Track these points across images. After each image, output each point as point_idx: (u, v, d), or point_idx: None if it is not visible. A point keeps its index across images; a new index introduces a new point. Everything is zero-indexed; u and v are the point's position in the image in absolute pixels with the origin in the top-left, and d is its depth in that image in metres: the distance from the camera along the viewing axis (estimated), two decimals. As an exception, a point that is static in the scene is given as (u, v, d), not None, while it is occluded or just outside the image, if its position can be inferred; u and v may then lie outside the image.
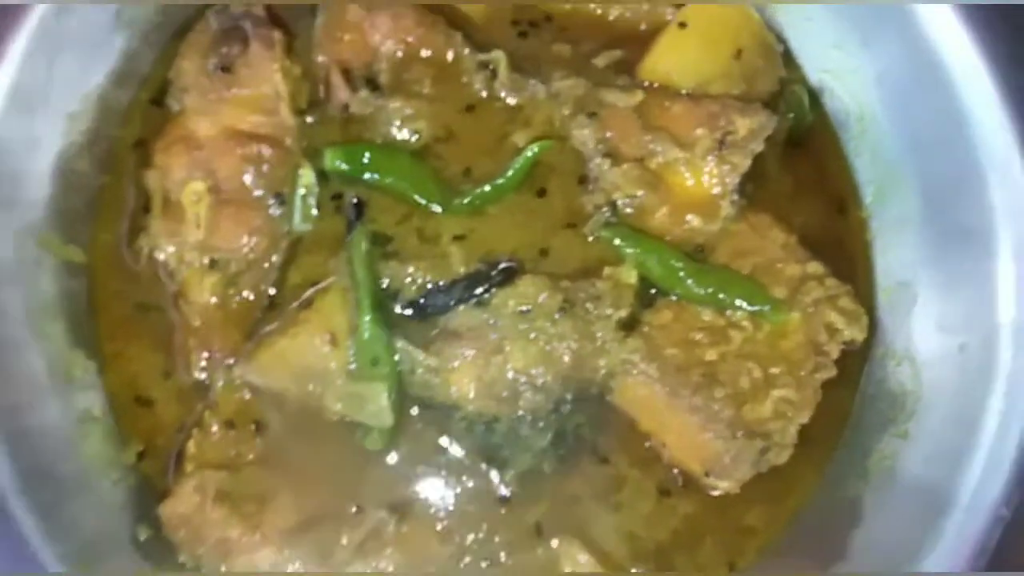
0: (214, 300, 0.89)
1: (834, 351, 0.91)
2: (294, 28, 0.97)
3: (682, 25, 0.96)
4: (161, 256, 0.90)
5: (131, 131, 0.96)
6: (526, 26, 1.01)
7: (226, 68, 0.92)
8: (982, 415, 0.82)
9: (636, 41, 0.99)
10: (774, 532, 0.91)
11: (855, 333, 0.92)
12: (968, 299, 0.86)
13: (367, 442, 0.86)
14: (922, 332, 0.90)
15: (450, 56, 0.97)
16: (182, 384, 0.88)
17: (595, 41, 0.99)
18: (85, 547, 0.78)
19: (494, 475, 0.88)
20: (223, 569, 0.81)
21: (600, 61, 0.98)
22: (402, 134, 0.93)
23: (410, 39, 0.96)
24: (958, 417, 0.84)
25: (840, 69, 0.98)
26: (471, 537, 0.86)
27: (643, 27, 1.00)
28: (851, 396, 0.94)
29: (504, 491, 0.87)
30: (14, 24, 0.83)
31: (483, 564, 0.85)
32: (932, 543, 0.80)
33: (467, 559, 0.85)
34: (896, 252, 0.95)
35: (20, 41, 0.83)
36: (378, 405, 0.84)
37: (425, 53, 0.96)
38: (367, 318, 0.85)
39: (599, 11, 1.01)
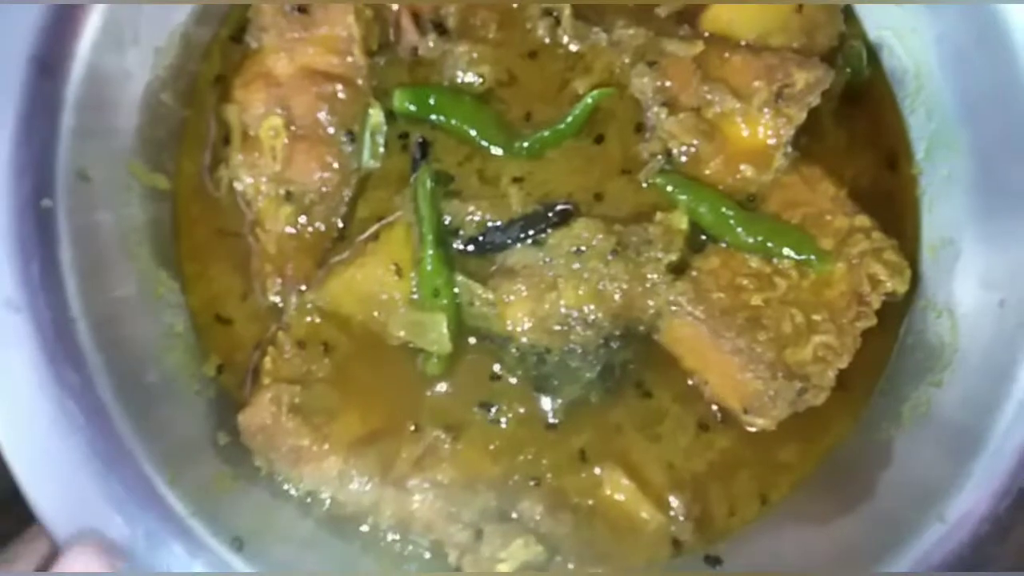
0: (288, 229, 0.94)
1: (876, 302, 0.94)
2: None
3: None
4: (239, 186, 0.96)
5: (211, 67, 1.01)
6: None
7: (303, 9, 0.96)
8: (1016, 367, 0.85)
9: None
10: (806, 469, 0.96)
11: (897, 285, 0.95)
12: (1012, 257, 0.88)
13: (427, 367, 0.92)
14: (964, 286, 0.93)
15: (515, 2, 1.00)
16: (258, 305, 0.95)
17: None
18: (172, 449, 0.86)
19: (544, 402, 0.93)
20: (294, 473, 0.88)
21: (662, 10, 1.00)
22: (467, 77, 0.97)
23: (477, -16, 1.00)
24: (992, 368, 0.87)
25: (900, 27, 0.98)
26: (520, 458, 0.92)
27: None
28: (890, 345, 0.97)
29: (552, 418, 0.93)
30: None
31: (530, 483, 0.91)
32: (960, 484, 0.84)
33: (515, 478, 0.91)
34: (944, 209, 0.97)
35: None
36: (438, 333, 0.90)
37: None
38: (430, 252, 0.91)
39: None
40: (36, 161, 0.82)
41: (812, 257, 0.93)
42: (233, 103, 0.97)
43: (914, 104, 1.00)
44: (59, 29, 0.84)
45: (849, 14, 1.01)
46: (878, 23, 1.01)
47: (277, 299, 0.94)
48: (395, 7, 0.99)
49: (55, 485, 0.79)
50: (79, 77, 0.85)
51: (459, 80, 0.98)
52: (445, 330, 0.89)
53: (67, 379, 0.81)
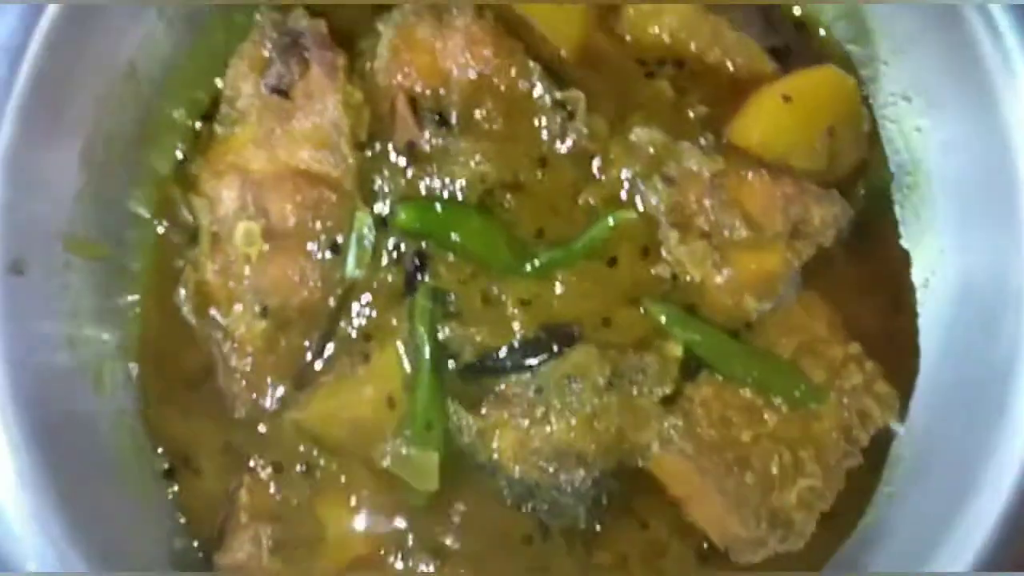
0: (263, 345, 0.87)
1: (864, 439, 0.95)
2: (356, 45, 0.89)
3: (787, 99, 0.91)
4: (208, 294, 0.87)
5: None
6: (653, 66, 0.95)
7: (282, 92, 0.85)
8: (967, 494, 0.87)
9: (729, 91, 0.94)
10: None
11: (888, 418, 0.96)
12: (977, 386, 0.90)
13: (411, 499, 0.89)
14: (923, 409, 0.95)
15: (523, 88, 0.90)
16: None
17: (684, 91, 0.94)
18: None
19: (534, 534, 0.92)
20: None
21: (692, 113, 0.93)
22: (468, 176, 0.89)
23: (484, 68, 0.89)
24: (945, 489, 0.90)
25: (904, 122, 0.96)
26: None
27: (740, 74, 0.95)
28: (875, 483, 0.98)
29: (544, 551, 0.92)
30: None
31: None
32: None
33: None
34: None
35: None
36: (427, 472, 0.86)
37: (498, 83, 0.89)
38: (426, 384, 0.86)
39: (695, 50, 0.94)
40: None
41: (804, 395, 0.92)
42: (201, 196, 0.86)
43: (904, 201, 0.99)
44: None
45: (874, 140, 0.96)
46: (883, 112, 0.98)
47: (245, 418, 0.89)
48: (385, 83, 0.88)
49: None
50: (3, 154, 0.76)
51: (462, 174, 0.88)
52: (435, 470, 0.86)
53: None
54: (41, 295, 0.81)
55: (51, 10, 0.75)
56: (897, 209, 1.00)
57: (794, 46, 0.96)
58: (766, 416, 0.93)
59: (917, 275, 0.98)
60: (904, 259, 0.99)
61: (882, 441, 0.97)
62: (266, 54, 0.85)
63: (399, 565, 0.90)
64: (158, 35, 0.86)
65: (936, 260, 0.97)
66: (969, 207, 0.94)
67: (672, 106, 0.93)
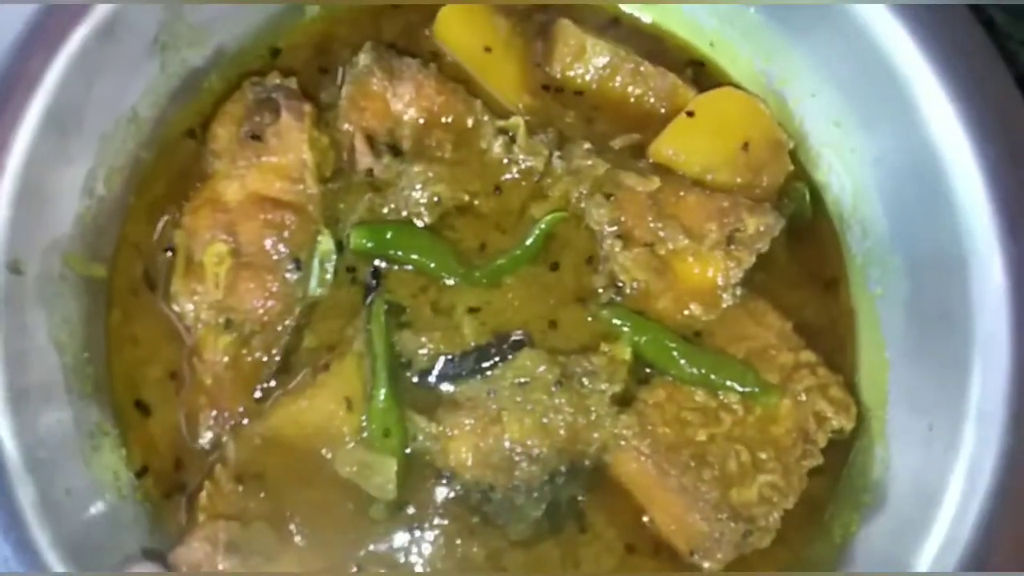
0: (226, 359, 0.92)
1: (822, 440, 0.95)
2: (323, 100, 1.01)
3: (690, 114, 1.00)
4: (178, 310, 0.94)
5: (161, 159, 1.00)
6: (553, 92, 1.06)
7: (257, 136, 0.96)
8: (943, 492, 0.86)
9: (655, 123, 1.03)
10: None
11: (843, 422, 0.96)
12: (941, 382, 0.90)
13: (372, 511, 0.90)
14: (895, 409, 0.95)
15: (470, 123, 1.01)
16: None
17: (613, 122, 1.04)
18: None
19: (492, 540, 0.91)
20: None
21: (618, 142, 1.03)
22: (423, 197, 0.97)
23: (431, 106, 1.00)
24: (921, 492, 0.88)
25: (840, 145, 1.02)
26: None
27: (662, 109, 1.04)
28: (833, 484, 0.98)
29: (499, 554, 0.91)
30: (57, 45, 0.86)
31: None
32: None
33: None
34: (879, 330, 0.99)
35: (60, 62, 0.86)
36: (385, 478, 0.88)
37: (445, 119, 1.00)
38: (383, 391, 0.90)
39: (618, 88, 1.04)
40: None
41: (756, 389, 0.94)
42: (181, 228, 0.96)
43: (851, 221, 1.03)
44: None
45: (797, 154, 1.04)
46: (819, 140, 1.05)
47: (209, 434, 0.92)
48: (345, 127, 0.99)
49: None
50: (15, 166, 0.84)
51: (418, 199, 0.97)
52: (393, 476, 0.88)
53: None
54: (35, 295, 0.87)
55: (69, 48, 0.85)
56: (844, 229, 1.04)
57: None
58: (722, 416, 0.95)
59: (873, 287, 1.01)
60: (838, 253, 1.04)
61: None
62: (244, 108, 0.97)
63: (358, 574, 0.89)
64: (159, 87, 0.97)
65: (887, 269, 0.99)
66: (909, 219, 0.97)
67: (602, 138, 1.02)
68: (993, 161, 0.88)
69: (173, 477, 0.92)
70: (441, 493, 0.92)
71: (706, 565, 0.91)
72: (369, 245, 0.95)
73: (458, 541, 0.91)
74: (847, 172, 1.02)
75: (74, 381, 0.89)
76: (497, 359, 0.93)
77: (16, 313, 0.84)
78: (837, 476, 0.97)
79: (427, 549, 0.91)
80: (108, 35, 0.88)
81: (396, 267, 0.96)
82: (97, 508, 0.87)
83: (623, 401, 0.94)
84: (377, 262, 0.96)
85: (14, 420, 0.81)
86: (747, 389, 0.94)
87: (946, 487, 0.86)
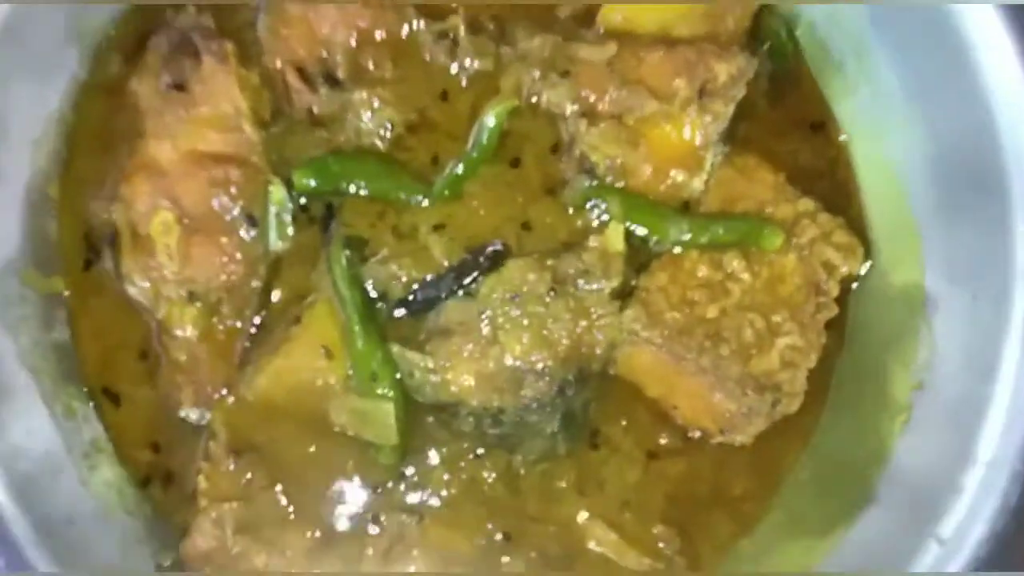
0: (196, 332, 0.86)
1: (834, 289, 0.89)
2: (242, 37, 0.92)
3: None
4: (135, 292, 0.87)
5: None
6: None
7: (180, 86, 0.88)
8: (998, 365, 0.78)
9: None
10: (774, 482, 0.91)
11: (852, 266, 0.90)
12: (980, 250, 0.82)
13: (380, 457, 0.85)
14: (932, 278, 0.87)
15: (404, 32, 0.92)
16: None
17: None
18: None
19: (509, 463, 0.87)
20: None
21: (562, 12, 0.93)
22: (373, 125, 0.90)
23: (360, 23, 0.91)
24: (973, 366, 0.81)
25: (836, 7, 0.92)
26: (492, 526, 0.86)
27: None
28: (856, 338, 0.92)
29: (521, 478, 0.87)
30: None
31: (504, 544, 0.86)
32: (953, 500, 0.78)
33: (491, 546, 0.85)
34: (900, 197, 0.91)
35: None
36: (384, 424, 0.83)
37: (379, 35, 0.91)
38: (359, 333, 0.84)
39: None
40: None
41: (763, 229, 0.88)
42: (118, 201, 0.88)
43: (857, 82, 0.93)
44: None
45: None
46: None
47: (194, 411, 0.87)
48: (273, 63, 0.91)
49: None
50: None
51: (368, 128, 0.90)
52: (392, 421, 0.83)
53: None
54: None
55: None
56: (851, 91, 0.94)
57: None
58: (729, 287, 0.89)
59: (890, 151, 0.91)
60: (820, 96, 0.95)
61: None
62: (159, 57, 0.89)
63: (374, 530, 0.85)
64: (81, 77, 0.90)
65: (904, 132, 0.89)
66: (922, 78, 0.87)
67: (545, 11, 0.93)
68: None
69: (153, 460, 0.88)
70: (449, 425, 0.87)
71: (738, 439, 0.87)
72: (313, 184, 0.88)
73: (470, 470, 0.87)
74: (846, 35, 0.92)
75: (56, 404, 0.85)
76: (477, 274, 0.87)
77: None
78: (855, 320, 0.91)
79: (445, 492, 0.87)
80: (13, 37, 0.80)
81: (350, 198, 0.89)
82: (105, 530, 0.84)
83: (623, 294, 0.88)
84: (328, 203, 0.89)
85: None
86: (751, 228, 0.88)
87: (999, 358, 0.78)
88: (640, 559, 0.85)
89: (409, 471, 0.86)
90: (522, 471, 0.87)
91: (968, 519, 0.76)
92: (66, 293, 0.90)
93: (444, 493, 0.86)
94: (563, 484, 0.87)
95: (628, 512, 0.87)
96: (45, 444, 0.84)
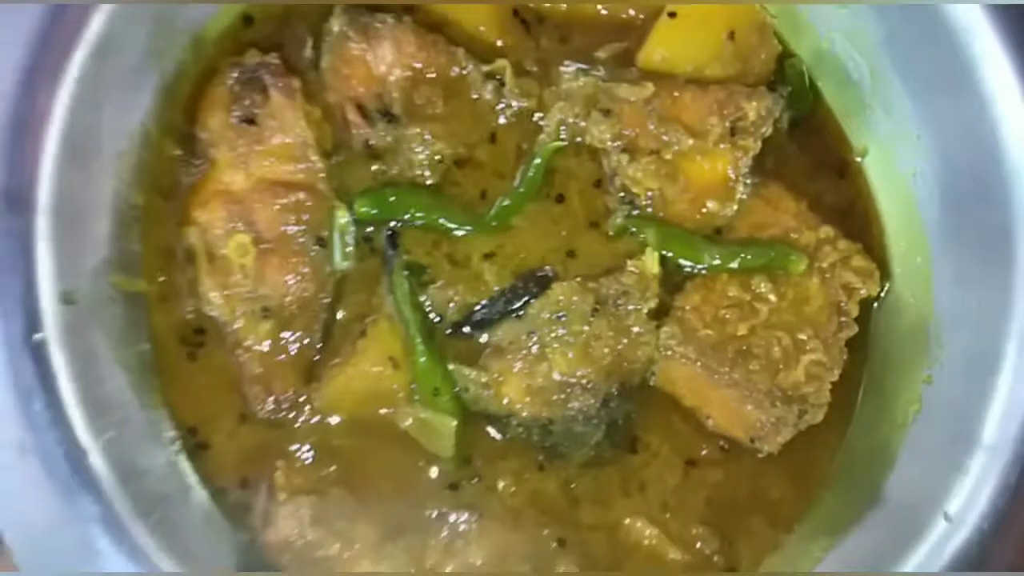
0: (270, 346, 0.94)
1: (854, 309, 0.97)
2: (305, 76, 0.99)
3: (672, 15, 0.99)
4: (212, 311, 0.95)
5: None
6: (528, 22, 1.03)
7: (249, 120, 0.96)
8: (1000, 363, 0.87)
9: (634, 32, 1.02)
10: (808, 485, 0.99)
11: (870, 288, 0.98)
12: (985, 257, 0.90)
13: (440, 463, 0.93)
14: (941, 287, 0.95)
15: (455, 73, 1.00)
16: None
17: (593, 36, 1.02)
18: (200, 560, 0.87)
19: (558, 468, 0.95)
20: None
21: (602, 53, 1.01)
22: (424, 158, 0.97)
23: (414, 63, 0.99)
24: (977, 363, 0.89)
25: (849, 29, 0.99)
26: (544, 526, 0.93)
27: (637, 16, 1.03)
28: (875, 347, 1.00)
29: (569, 482, 0.95)
30: (59, 74, 0.86)
31: (557, 546, 0.93)
32: (960, 482, 0.87)
33: (544, 544, 0.93)
34: (912, 211, 0.98)
35: (66, 89, 0.86)
36: (445, 437, 0.91)
37: (430, 74, 0.99)
38: (422, 352, 0.92)
39: (591, 7, 1.02)
40: (20, 298, 0.83)
41: (788, 256, 0.96)
42: (193, 225, 0.96)
43: (872, 102, 1.01)
44: (19, 155, 0.84)
45: (786, 34, 1.03)
46: (828, 26, 1.02)
47: (272, 416, 0.94)
48: (333, 99, 0.98)
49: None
50: (47, 201, 0.85)
51: (420, 161, 0.97)
52: (452, 435, 0.91)
53: (87, 511, 0.82)
54: (92, 321, 0.88)
55: (71, 75, 0.85)
56: (868, 107, 1.01)
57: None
58: (757, 307, 0.97)
59: (903, 167, 0.99)
60: (842, 135, 1.04)
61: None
62: (229, 92, 0.97)
63: (437, 526, 0.93)
64: (162, 96, 0.95)
65: (915, 148, 0.97)
66: (930, 88, 0.95)
67: (586, 54, 1.01)
68: (1005, 14, 0.86)
69: (241, 493, 0.94)
70: (502, 436, 0.95)
71: (766, 448, 0.95)
72: (374, 212, 0.96)
73: (527, 476, 0.95)
74: (862, 56, 0.99)
75: (145, 396, 0.92)
76: (527, 298, 0.95)
77: (79, 341, 0.86)
78: (877, 338, 1.00)
79: (501, 492, 0.94)
80: (103, 55, 0.87)
81: (407, 227, 0.97)
82: (194, 510, 0.91)
83: (659, 313, 0.96)
84: (392, 229, 0.97)
85: (98, 436, 0.84)
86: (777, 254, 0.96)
87: (1002, 356, 0.87)
88: (681, 553, 0.92)
89: (471, 474, 0.94)
90: (573, 479, 0.94)
91: (973, 497, 0.85)
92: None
93: (503, 497, 0.94)
94: (609, 489, 0.95)
95: (669, 513, 0.94)
96: (137, 432, 0.91)
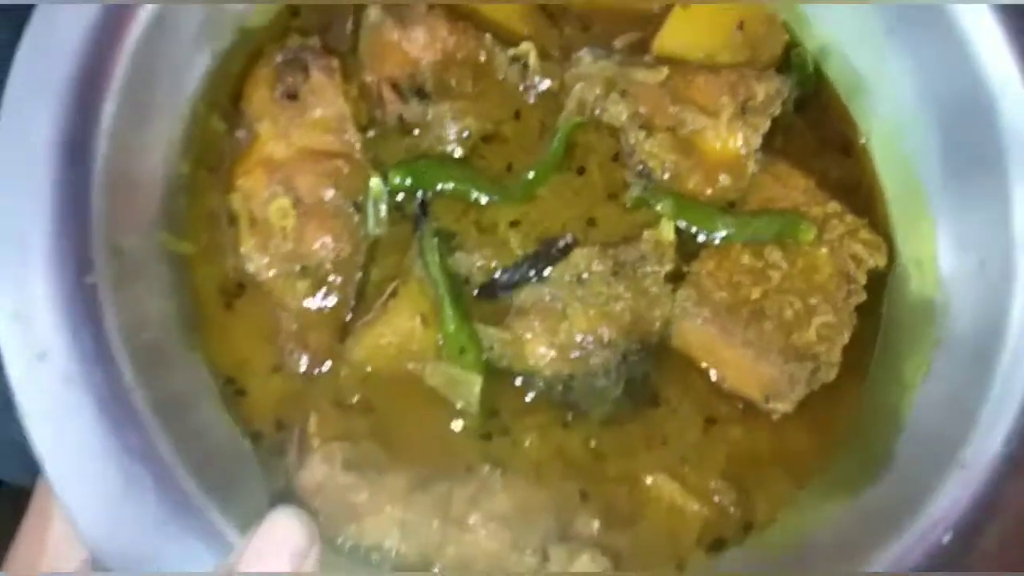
0: (307, 303, 0.99)
1: (862, 277, 1.02)
2: (342, 56, 1.07)
3: (685, 5, 1.08)
4: (252, 269, 1.00)
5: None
6: (550, 11, 1.12)
7: (292, 96, 1.03)
8: (1006, 319, 0.92)
9: (649, 21, 1.10)
10: (823, 446, 1.01)
11: (877, 260, 1.03)
12: (984, 217, 0.96)
13: (465, 422, 0.97)
14: (944, 252, 1.00)
15: (483, 56, 1.07)
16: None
17: (612, 25, 1.10)
18: (237, 501, 0.89)
19: (580, 425, 0.98)
20: (355, 529, 0.91)
21: (619, 43, 1.09)
22: (453, 133, 1.04)
23: (445, 47, 1.06)
24: (985, 321, 0.94)
25: (851, 28, 1.07)
26: (566, 480, 0.96)
27: (653, 6, 1.11)
28: (880, 315, 1.05)
29: (590, 439, 0.98)
30: (120, 39, 0.92)
31: (580, 500, 0.96)
32: (971, 433, 0.91)
33: (567, 498, 0.95)
34: (915, 183, 1.04)
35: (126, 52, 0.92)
36: (471, 393, 0.95)
37: (460, 56, 1.07)
38: (450, 313, 0.96)
39: (610, -1, 1.11)
40: (75, 243, 0.87)
41: (798, 224, 1.01)
42: (236, 192, 1.02)
43: (876, 88, 1.07)
44: (81, 113, 0.89)
45: (793, 25, 1.10)
46: (830, 26, 1.09)
47: (305, 371, 0.98)
48: (369, 79, 1.06)
49: (133, 549, 0.82)
50: (103, 157, 0.89)
51: (449, 135, 1.04)
52: (478, 391, 0.94)
53: (131, 444, 0.84)
54: (138, 273, 0.93)
55: (127, 47, 0.91)
56: (870, 91, 1.08)
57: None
58: (770, 273, 1.01)
59: (905, 145, 1.05)
60: (847, 116, 1.10)
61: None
62: (273, 71, 1.04)
63: (463, 477, 0.95)
64: (211, 77, 1.02)
65: (915, 127, 1.03)
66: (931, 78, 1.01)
67: (605, 41, 1.09)
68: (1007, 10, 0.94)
69: (276, 437, 0.97)
70: (525, 393, 0.99)
71: (780, 406, 0.98)
72: (408, 182, 1.02)
73: (551, 432, 0.98)
74: (865, 53, 1.07)
75: (185, 345, 0.96)
76: (549, 263, 1.00)
77: (126, 290, 0.90)
78: (881, 305, 1.05)
79: (526, 446, 0.97)
80: (159, 30, 0.95)
81: (437, 196, 1.03)
82: (232, 453, 0.94)
83: (676, 278, 1.01)
84: (423, 197, 1.03)
85: (142, 375, 0.87)
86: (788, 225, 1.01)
87: (1008, 312, 0.92)
88: (700, 505, 0.95)
89: (496, 429, 0.97)
90: (595, 435, 0.98)
91: (987, 444, 0.89)
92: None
93: (528, 451, 0.96)
94: (631, 444, 0.98)
95: (688, 467, 0.97)
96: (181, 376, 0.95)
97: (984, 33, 0.95)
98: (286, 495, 0.92)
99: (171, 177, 1.00)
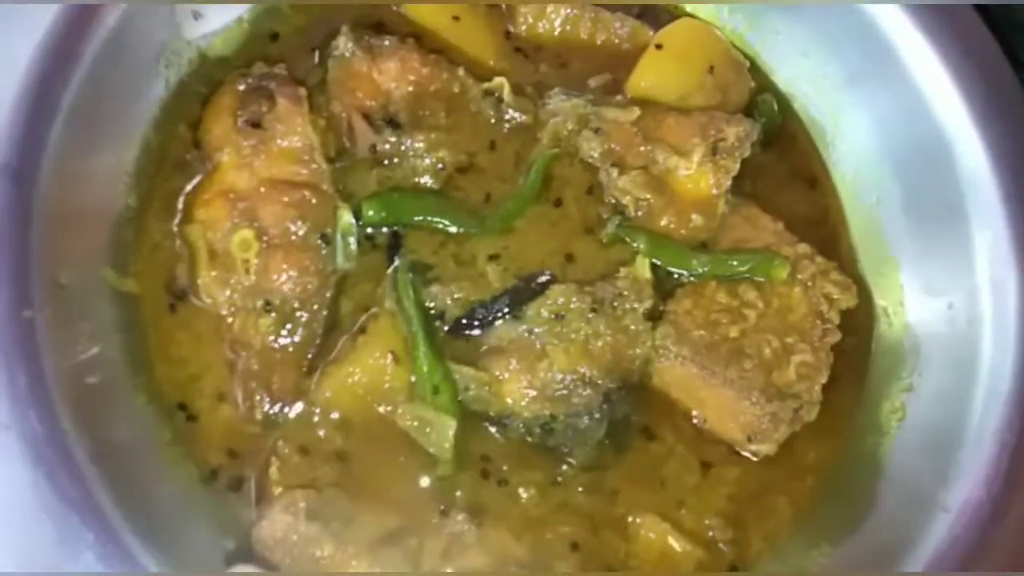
0: (270, 341, 0.93)
1: (835, 318, 1.02)
2: (309, 83, 1.04)
3: (659, 47, 1.09)
4: (210, 302, 0.94)
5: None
6: (525, 50, 1.12)
7: (255, 124, 0.98)
8: (976, 359, 0.93)
9: (623, 61, 1.10)
10: (808, 490, 1.00)
11: (848, 300, 1.03)
12: (949, 263, 0.98)
13: (439, 471, 0.91)
14: (911, 298, 1.02)
15: (456, 88, 1.06)
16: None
17: (586, 63, 1.11)
18: (184, 558, 0.83)
19: (561, 470, 0.94)
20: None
21: (593, 82, 1.09)
22: (427, 164, 1.01)
23: (417, 79, 1.04)
24: (955, 365, 0.95)
25: (811, 75, 1.10)
26: (547, 529, 0.91)
27: (626, 47, 1.12)
28: (854, 356, 1.04)
29: (573, 483, 0.93)
30: (71, 61, 0.88)
31: (564, 550, 0.91)
32: (951, 477, 0.90)
33: (547, 549, 0.90)
34: (880, 231, 1.06)
35: (73, 86, 0.88)
36: (444, 437, 0.90)
37: (434, 88, 1.05)
38: (423, 351, 0.92)
39: (585, 36, 1.12)
40: (12, 273, 0.81)
41: (772, 261, 1.01)
42: (195, 223, 0.96)
43: (835, 140, 1.11)
44: (27, 135, 0.84)
45: (756, 70, 1.13)
46: (790, 74, 1.13)
47: (265, 414, 0.92)
48: (338, 110, 1.02)
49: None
50: (48, 184, 0.84)
51: (422, 167, 1.01)
52: (451, 436, 0.89)
53: (68, 495, 0.77)
54: (79, 309, 0.87)
55: (81, 70, 0.88)
56: (831, 150, 1.11)
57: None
58: (746, 312, 1.00)
59: (867, 195, 1.08)
60: (813, 148, 1.12)
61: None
62: (236, 98, 0.99)
63: (435, 529, 0.89)
64: (166, 105, 0.99)
65: (877, 177, 1.06)
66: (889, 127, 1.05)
67: (579, 82, 1.09)
68: (954, 56, 0.98)
69: (231, 467, 0.91)
70: (503, 436, 0.94)
71: (764, 448, 0.96)
72: (382, 215, 0.98)
73: (529, 478, 0.93)
74: (824, 100, 1.10)
75: (129, 392, 0.89)
76: (527, 299, 0.97)
77: (66, 326, 0.84)
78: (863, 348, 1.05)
79: (501, 493, 0.92)
80: (116, 50, 0.91)
81: (413, 228, 0.99)
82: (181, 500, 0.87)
83: (654, 316, 0.99)
84: (394, 231, 0.99)
85: (80, 416, 0.80)
86: (760, 261, 1.01)
87: (978, 354, 0.93)
88: (692, 546, 0.91)
89: (470, 476, 0.92)
90: (577, 479, 0.93)
91: (968, 488, 0.88)
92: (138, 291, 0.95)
93: (504, 499, 0.91)
94: (616, 486, 0.94)
95: (684, 509, 0.94)
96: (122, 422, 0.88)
97: (935, 81, 0.99)
98: (243, 550, 0.84)
99: (119, 209, 0.95)
